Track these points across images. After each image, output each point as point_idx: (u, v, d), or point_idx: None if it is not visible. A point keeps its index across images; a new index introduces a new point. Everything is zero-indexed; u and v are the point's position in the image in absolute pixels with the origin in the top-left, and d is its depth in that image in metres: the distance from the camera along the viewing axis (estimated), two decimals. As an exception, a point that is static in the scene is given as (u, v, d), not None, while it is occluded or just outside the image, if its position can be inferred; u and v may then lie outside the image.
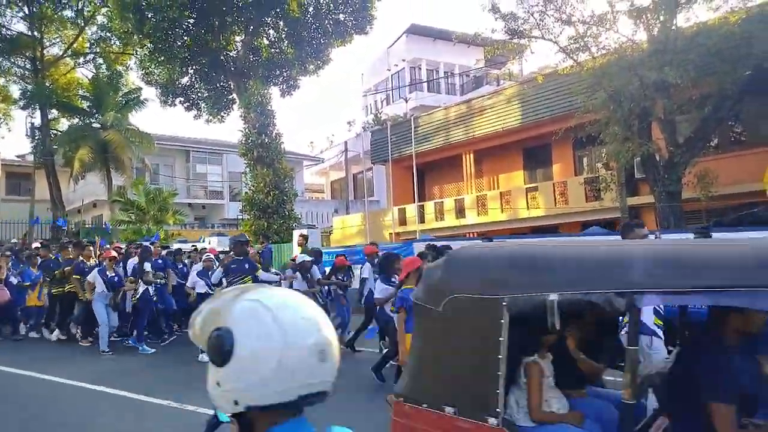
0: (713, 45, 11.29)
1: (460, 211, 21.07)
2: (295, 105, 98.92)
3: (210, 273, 9.61)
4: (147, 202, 21.26)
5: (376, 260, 9.14)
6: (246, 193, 18.98)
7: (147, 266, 10.06)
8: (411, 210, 22.61)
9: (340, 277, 9.68)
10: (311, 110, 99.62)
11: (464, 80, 35.20)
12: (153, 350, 9.66)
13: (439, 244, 9.71)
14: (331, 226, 25.91)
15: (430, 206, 22.49)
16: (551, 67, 15.39)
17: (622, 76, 11.99)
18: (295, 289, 7.88)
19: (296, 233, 15.31)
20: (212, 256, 10.63)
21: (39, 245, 13.55)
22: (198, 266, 10.67)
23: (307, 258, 9.39)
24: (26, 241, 18.18)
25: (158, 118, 66.53)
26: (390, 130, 23.62)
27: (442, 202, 22.32)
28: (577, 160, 19.72)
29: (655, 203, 13.16)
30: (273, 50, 21.78)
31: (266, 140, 18.33)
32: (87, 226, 26.17)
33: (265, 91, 18.92)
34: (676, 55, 11.52)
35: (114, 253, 10.40)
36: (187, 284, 10.73)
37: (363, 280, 9.43)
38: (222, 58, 21.55)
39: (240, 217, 20.26)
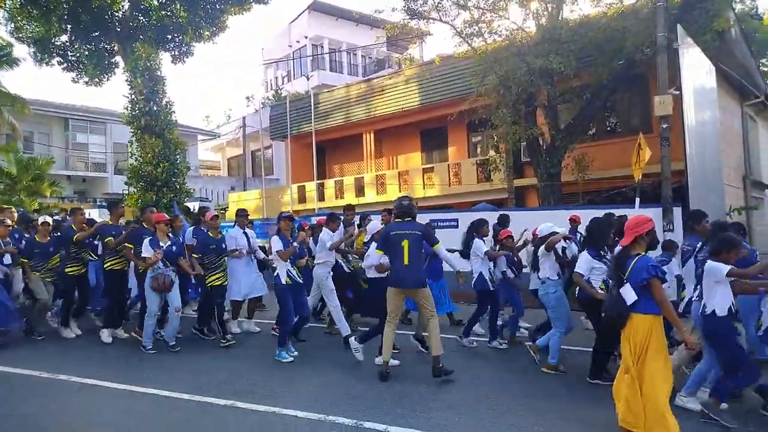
0: (593, 37, 12.16)
1: (360, 190, 21.23)
2: (191, 78, 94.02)
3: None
4: (19, 171, 19.35)
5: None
6: (132, 164, 17.78)
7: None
8: (311, 187, 22.43)
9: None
10: (208, 85, 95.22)
11: (366, 62, 35.26)
12: (291, 358, 6.65)
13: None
14: (227, 204, 25.11)
15: (330, 184, 22.45)
16: (449, 54, 15.86)
17: (512, 62, 12.61)
18: (503, 271, 7.21)
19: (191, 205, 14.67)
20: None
21: None
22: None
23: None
24: None
25: (34, 82, 60.45)
26: (290, 105, 23.18)
27: (342, 180, 22.34)
28: (470, 143, 20.51)
29: (537, 184, 14.03)
30: (164, 12, 20.38)
31: (155, 108, 17.22)
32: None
33: (154, 55, 17.72)
34: (561, 44, 12.30)
35: (166, 216, 7.86)
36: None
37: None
38: (106, 17, 19.87)
39: (125, 190, 18.96)
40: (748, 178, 16.84)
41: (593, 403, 4.97)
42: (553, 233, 6.31)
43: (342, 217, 8.34)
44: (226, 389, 5.46)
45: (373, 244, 6.54)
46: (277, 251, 6.74)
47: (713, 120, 12.64)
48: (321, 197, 21.96)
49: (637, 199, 9.86)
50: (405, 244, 5.70)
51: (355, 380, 5.81)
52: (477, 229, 7.34)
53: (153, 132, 17.14)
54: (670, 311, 4.08)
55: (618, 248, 4.46)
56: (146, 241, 7.15)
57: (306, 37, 33.10)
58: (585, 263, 5.44)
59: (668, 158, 10.14)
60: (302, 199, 22.69)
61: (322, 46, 33.67)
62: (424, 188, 19.47)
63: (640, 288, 4.03)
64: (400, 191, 20.09)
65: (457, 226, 12.26)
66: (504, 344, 7.22)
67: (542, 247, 6.27)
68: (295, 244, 7.00)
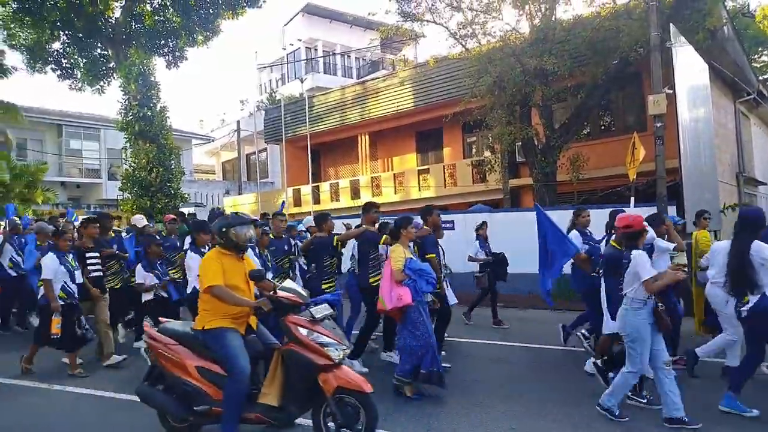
0: (587, 37, 12.20)
1: (356, 192, 21.21)
2: (185, 82, 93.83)
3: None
4: (12, 178, 19.23)
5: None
6: (126, 169, 17.74)
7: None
8: (306, 190, 22.41)
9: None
10: (202, 89, 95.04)
11: (361, 64, 35.30)
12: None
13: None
14: (223, 207, 25.04)
15: (325, 187, 22.42)
16: (443, 55, 15.88)
17: (506, 63, 12.63)
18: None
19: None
20: None
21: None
22: None
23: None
24: None
25: (26, 88, 60.23)
26: (284, 108, 23.16)
27: (338, 182, 22.33)
28: (465, 143, 20.53)
29: (533, 184, 14.04)
30: (157, 18, 20.38)
31: (149, 114, 17.21)
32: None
33: (148, 60, 17.69)
34: (554, 44, 12.35)
35: None
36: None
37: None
38: (100, 23, 19.83)
39: (120, 196, 18.90)
40: (741, 175, 16.90)
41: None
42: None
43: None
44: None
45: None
46: None
47: (707, 118, 12.67)
48: (316, 200, 21.94)
49: (632, 198, 9.86)
50: None
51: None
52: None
53: (147, 137, 17.12)
54: None
55: None
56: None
57: (299, 40, 33.13)
58: None
59: (663, 157, 10.17)
60: (297, 202, 22.67)
61: (316, 49, 33.71)
62: (419, 190, 19.48)
63: None
64: (395, 193, 20.11)
65: (453, 228, 12.28)
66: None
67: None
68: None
